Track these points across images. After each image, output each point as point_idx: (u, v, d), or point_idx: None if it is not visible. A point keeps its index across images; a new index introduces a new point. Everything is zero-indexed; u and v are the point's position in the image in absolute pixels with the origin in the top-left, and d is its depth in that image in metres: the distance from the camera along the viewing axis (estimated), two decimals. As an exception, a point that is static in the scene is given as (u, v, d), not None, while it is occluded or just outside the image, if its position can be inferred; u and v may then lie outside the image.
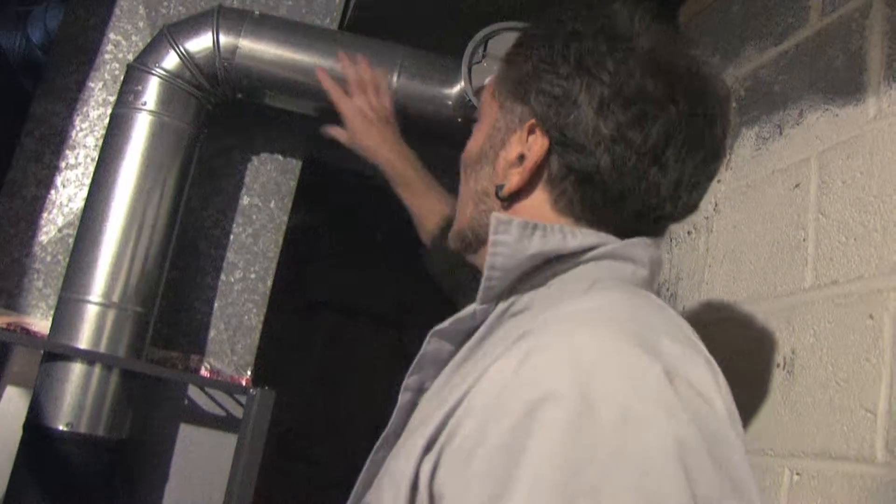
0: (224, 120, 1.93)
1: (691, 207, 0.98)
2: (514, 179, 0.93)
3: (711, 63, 1.16)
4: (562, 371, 0.72)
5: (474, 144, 1.02)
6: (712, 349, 1.45)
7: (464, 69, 1.58)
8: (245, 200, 1.97)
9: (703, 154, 0.93)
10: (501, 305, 0.91)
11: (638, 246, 0.91)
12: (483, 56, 1.62)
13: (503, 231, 0.87)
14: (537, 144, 0.92)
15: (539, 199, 0.94)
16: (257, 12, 1.77)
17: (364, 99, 1.56)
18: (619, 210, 0.91)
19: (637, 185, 0.89)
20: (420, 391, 0.98)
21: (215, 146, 1.96)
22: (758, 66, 1.71)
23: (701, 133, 0.92)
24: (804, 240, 1.45)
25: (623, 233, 0.92)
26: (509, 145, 0.95)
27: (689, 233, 1.77)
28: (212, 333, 1.90)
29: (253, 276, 1.94)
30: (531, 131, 0.93)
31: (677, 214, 0.96)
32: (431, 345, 0.96)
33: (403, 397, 1.00)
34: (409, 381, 0.98)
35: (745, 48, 1.76)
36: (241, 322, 1.92)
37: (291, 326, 3.58)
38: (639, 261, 0.91)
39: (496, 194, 0.95)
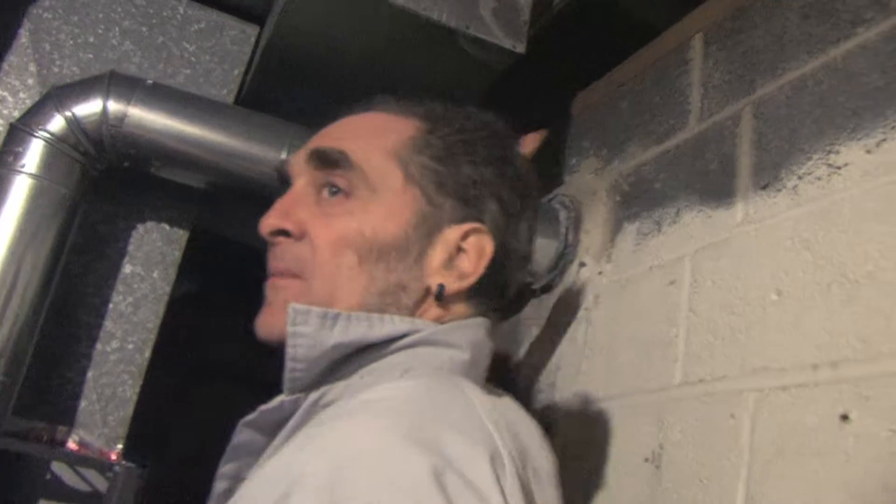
0: (111, 186, 1.89)
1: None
2: (456, 285, 0.95)
3: None
4: (320, 460, 0.71)
5: (382, 227, 0.94)
6: (586, 441, 1.48)
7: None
8: (127, 269, 1.92)
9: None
10: (313, 395, 0.90)
11: (458, 330, 0.94)
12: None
13: (301, 322, 0.86)
14: (487, 251, 0.96)
15: (459, 297, 0.98)
16: (150, 81, 1.75)
17: None
18: (502, 294, 1.01)
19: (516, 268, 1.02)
20: (237, 479, 0.95)
21: (100, 212, 1.92)
22: (641, 163, 1.76)
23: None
24: (676, 337, 1.49)
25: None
26: (439, 242, 0.96)
27: (569, 323, 1.80)
28: (83, 404, 1.83)
29: (131, 346, 1.88)
30: (473, 233, 0.96)
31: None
32: (243, 435, 0.93)
33: (219, 486, 0.96)
34: (225, 469, 0.95)
35: (630, 144, 1.83)
36: (114, 393, 1.85)
37: (180, 396, 3.49)
38: (457, 345, 0.93)
39: (436, 295, 0.95)
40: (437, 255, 0.95)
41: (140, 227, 1.94)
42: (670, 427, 1.42)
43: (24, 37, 1.96)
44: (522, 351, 1.95)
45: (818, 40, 1.41)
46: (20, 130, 1.71)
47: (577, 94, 2.12)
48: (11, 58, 1.94)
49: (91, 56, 1.97)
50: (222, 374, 3.69)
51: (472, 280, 0.96)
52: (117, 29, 2.01)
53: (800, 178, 1.35)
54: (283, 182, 1.02)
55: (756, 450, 1.24)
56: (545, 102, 2.18)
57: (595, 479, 1.54)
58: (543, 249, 1.84)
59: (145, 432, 2.06)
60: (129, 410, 1.86)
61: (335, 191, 0.95)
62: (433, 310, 0.96)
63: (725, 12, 1.66)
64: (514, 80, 2.15)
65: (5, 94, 1.92)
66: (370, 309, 0.92)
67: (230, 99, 2.04)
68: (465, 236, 0.96)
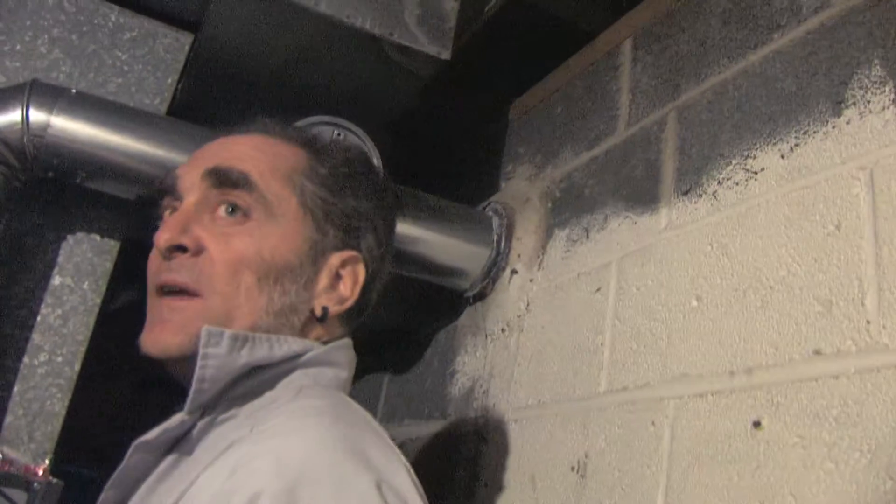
0: (38, 197, 1.85)
1: None
2: (336, 308, 1.00)
3: None
4: (269, 474, 0.74)
5: (279, 250, 0.96)
6: (517, 450, 1.47)
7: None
8: (56, 280, 1.88)
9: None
10: (209, 414, 0.92)
11: (340, 349, 1.00)
12: (296, 148, 1.62)
13: (214, 344, 0.88)
14: (360, 277, 1.01)
15: (337, 319, 1.03)
16: (74, 90, 1.71)
17: None
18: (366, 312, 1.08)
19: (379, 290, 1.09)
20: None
21: (27, 223, 1.87)
22: (572, 169, 1.76)
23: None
24: (602, 344, 1.48)
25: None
26: (325, 268, 1.00)
27: (502, 330, 1.79)
28: (8, 419, 1.78)
29: (59, 359, 1.84)
30: (350, 261, 1.02)
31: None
32: (134, 457, 0.91)
33: None
34: (107, 495, 0.94)
35: (563, 150, 1.82)
36: (42, 407, 1.81)
37: (133, 406, 3.44)
38: (339, 364, 1.00)
39: (320, 318, 0.99)
40: (323, 279, 1.00)
41: (70, 238, 1.90)
42: (595, 435, 1.41)
43: (-52, 45, 1.92)
44: (459, 359, 1.94)
45: (738, 45, 1.41)
46: (-62, 141, 1.67)
47: (514, 99, 2.11)
48: (-66, 65, 1.90)
49: (18, 65, 1.93)
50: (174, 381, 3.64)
51: (349, 304, 1.02)
52: (46, 37, 1.96)
53: (719, 183, 1.35)
54: (164, 193, 1.01)
55: (675, 458, 1.24)
56: (484, 108, 2.17)
57: (524, 488, 1.53)
58: (476, 257, 1.83)
59: (99, 444, 2.02)
60: (58, 425, 1.82)
61: (232, 210, 0.96)
62: (317, 330, 1.01)
63: (654, 17, 1.66)
64: (452, 85, 2.14)
65: (-72, 103, 1.88)
66: (264, 329, 0.94)
67: (163, 108, 2.00)
68: (343, 264, 1.02)
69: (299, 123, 1.63)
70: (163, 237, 0.94)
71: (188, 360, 0.91)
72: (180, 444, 0.92)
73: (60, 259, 1.90)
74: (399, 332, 2.27)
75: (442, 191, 2.11)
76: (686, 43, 1.54)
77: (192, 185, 0.98)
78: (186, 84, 1.92)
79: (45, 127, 1.66)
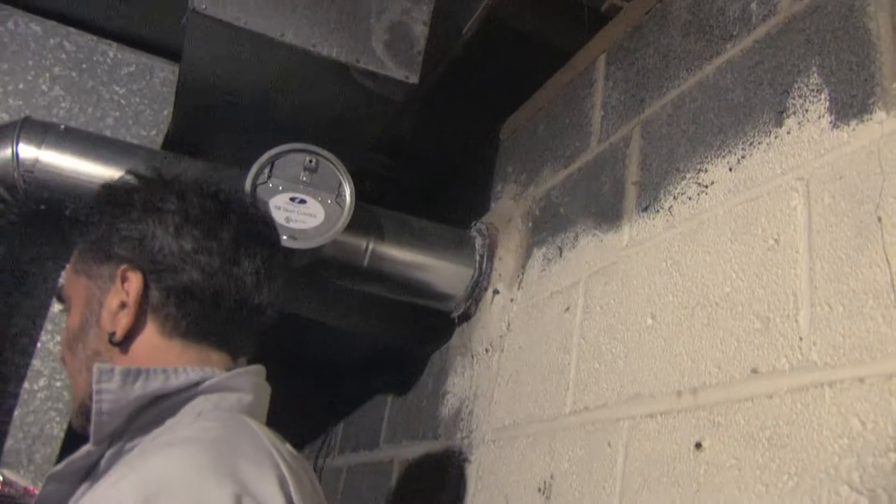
0: (39, 228, 1.91)
1: (276, 296, 1.12)
2: (122, 321, 1.01)
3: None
4: (131, 489, 0.78)
5: (73, 322, 1.06)
6: (493, 471, 1.46)
7: (247, 189, 1.60)
8: (55, 308, 1.94)
9: (268, 249, 1.11)
10: (116, 444, 0.97)
11: (242, 376, 1.04)
12: (269, 176, 1.64)
13: (106, 379, 0.94)
14: (134, 283, 1.02)
15: (150, 331, 1.03)
16: (63, 126, 1.77)
17: None
18: (218, 311, 1.04)
19: (227, 283, 1.05)
20: None
21: (28, 253, 1.94)
22: (551, 188, 1.74)
23: (259, 233, 1.11)
24: (568, 364, 1.46)
25: (227, 338, 1.06)
26: (108, 302, 1.03)
27: (486, 350, 1.78)
28: (9, 443, 1.84)
29: (58, 384, 1.89)
30: (124, 277, 1.02)
31: (266, 305, 1.10)
32: (49, 487, 0.97)
33: None
34: None
35: (544, 169, 1.81)
36: (41, 431, 1.86)
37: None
38: (242, 389, 1.02)
39: (110, 341, 1.02)
40: (107, 310, 1.02)
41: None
42: (560, 456, 1.39)
43: (-49, 84, 2.00)
44: (450, 380, 1.93)
45: (695, 57, 1.38)
46: (-64, 180, 1.74)
47: (506, 118, 2.10)
48: (-61, 105, 1.98)
49: (21, 103, 2.01)
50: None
51: (133, 310, 1.01)
52: (47, 75, 2.04)
53: (675, 198, 1.32)
54: None
55: (627, 479, 1.21)
56: (478, 128, 2.17)
57: (494, 511, 1.52)
58: (460, 278, 1.83)
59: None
60: (56, 448, 1.87)
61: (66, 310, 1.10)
62: (136, 352, 1.02)
63: (625, 32, 1.64)
64: (444, 106, 2.16)
65: (-66, 141, 1.96)
66: (87, 379, 0.99)
67: (159, 139, 2.05)
68: (122, 284, 1.02)
69: (272, 151, 1.65)
70: None
71: (84, 429, 1.00)
72: (92, 473, 0.97)
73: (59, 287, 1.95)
74: (400, 354, 2.27)
75: (439, 212, 2.12)
76: (651, 56, 1.52)
77: None
78: (175, 116, 1.96)
79: (35, 162, 1.71)
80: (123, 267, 1.03)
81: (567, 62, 1.83)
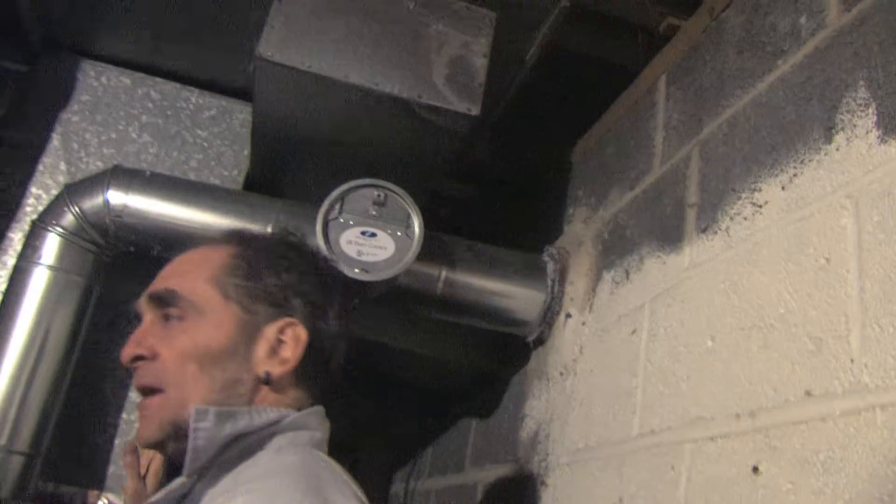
0: (134, 269, 2.03)
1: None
2: (279, 369, 1.12)
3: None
4: None
5: (211, 341, 1.11)
6: (568, 495, 1.48)
7: (318, 226, 1.66)
8: (148, 312, 2.05)
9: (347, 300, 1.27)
10: (205, 477, 1.06)
11: (313, 415, 1.14)
12: (340, 212, 1.69)
13: (202, 419, 1.03)
14: (302, 339, 1.14)
15: (287, 377, 1.14)
16: (149, 172, 1.88)
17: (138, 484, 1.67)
18: (317, 362, 1.17)
19: (332, 342, 1.19)
20: None
21: (124, 292, 2.04)
22: (618, 210, 1.75)
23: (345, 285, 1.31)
24: (635, 387, 1.46)
25: (316, 381, 1.17)
26: (261, 340, 1.13)
27: (560, 373, 1.79)
28: (111, 469, 1.95)
29: (154, 417, 2.00)
30: (295, 333, 1.14)
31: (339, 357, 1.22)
32: None
33: None
34: None
35: (611, 191, 1.81)
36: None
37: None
38: (314, 427, 1.13)
39: (265, 381, 1.12)
40: (260, 349, 1.13)
41: (145, 309, 2.07)
42: (628, 480, 1.39)
43: (55, 139, 2.14)
44: (528, 403, 1.95)
45: (749, 74, 1.38)
46: (38, 227, 1.87)
47: (577, 142, 2.11)
48: (45, 159, 2.12)
49: (113, 151, 2.14)
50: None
51: (293, 363, 1.13)
52: (136, 123, 2.17)
53: (731, 218, 1.31)
54: (137, 319, 1.20)
55: (689, 502, 1.21)
56: (550, 152, 2.19)
57: (567, 535, 1.52)
58: (533, 302, 1.84)
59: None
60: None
61: (171, 318, 1.13)
62: (268, 392, 1.13)
63: (683, 51, 1.64)
64: (516, 131, 2.18)
65: (39, 191, 2.10)
66: (216, 403, 1.09)
67: (241, 178, 2.15)
68: (281, 330, 1.14)
69: (342, 188, 1.72)
70: (123, 353, 1.14)
71: (166, 442, 1.09)
72: (186, 501, 1.08)
73: (154, 325, 2.06)
74: (484, 377, 2.30)
75: (514, 236, 2.14)
76: (708, 75, 1.51)
77: (144, 308, 1.18)
78: (253, 156, 2.05)
79: (123, 207, 1.82)
80: (292, 321, 1.14)
81: (631, 82, 1.84)
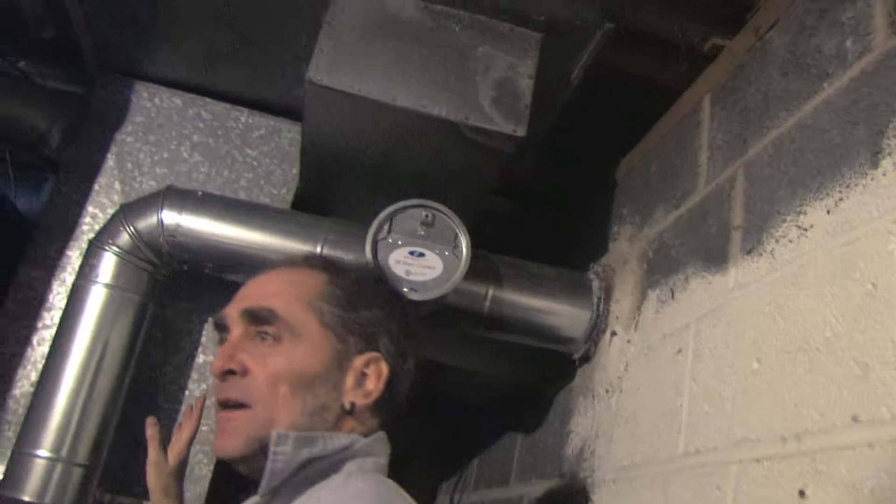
0: (183, 286, 2.09)
1: None
2: (363, 401, 1.17)
3: None
4: None
5: (306, 365, 1.15)
6: None
7: (368, 246, 1.69)
8: (201, 359, 2.10)
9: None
10: (277, 497, 1.11)
11: (378, 442, 1.19)
12: (389, 232, 1.73)
13: (282, 443, 1.09)
14: (384, 374, 1.19)
15: (366, 408, 1.19)
16: (200, 192, 1.93)
17: (158, 455, 1.68)
18: (398, 398, 1.23)
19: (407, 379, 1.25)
20: None
21: (177, 310, 2.12)
22: (663, 229, 1.76)
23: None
24: (681, 406, 1.47)
25: (386, 409, 1.21)
26: (350, 370, 1.18)
27: (606, 391, 1.80)
28: (164, 479, 2.01)
29: (205, 428, 2.04)
30: (378, 369, 1.19)
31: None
32: None
33: None
34: None
35: (656, 210, 1.82)
36: (191, 471, 2.01)
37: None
38: (379, 453, 1.18)
39: (348, 411, 1.17)
40: (349, 379, 1.18)
41: (210, 321, 2.12)
42: (673, 499, 1.40)
43: (110, 160, 2.21)
44: (573, 420, 1.96)
45: (794, 97, 1.38)
46: (95, 246, 1.93)
47: (620, 160, 2.13)
48: (101, 179, 2.19)
49: (166, 170, 2.20)
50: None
51: (375, 396, 1.18)
52: (188, 143, 2.23)
53: (776, 241, 1.32)
54: (219, 329, 1.22)
55: (736, 525, 1.22)
56: (594, 169, 2.21)
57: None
58: (578, 320, 1.86)
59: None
60: (205, 485, 2.03)
61: (266, 336, 1.17)
62: (349, 421, 1.18)
63: (727, 71, 1.65)
64: (562, 149, 2.20)
65: (96, 210, 2.17)
66: (302, 426, 1.13)
67: (290, 196, 2.20)
68: (367, 363, 1.19)
69: (390, 209, 1.75)
70: (216, 366, 1.17)
71: (248, 458, 1.13)
72: None
73: (204, 340, 2.13)
74: (529, 393, 2.32)
75: (560, 253, 2.16)
76: (752, 96, 1.52)
77: (234, 321, 1.19)
78: (302, 175, 2.09)
79: (177, 227, 1.88)
80: (377, 355, 1.20)
81: (675, 101, 1.85)
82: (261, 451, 1.10)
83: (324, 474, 1.11)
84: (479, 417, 2.74)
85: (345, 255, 1.81)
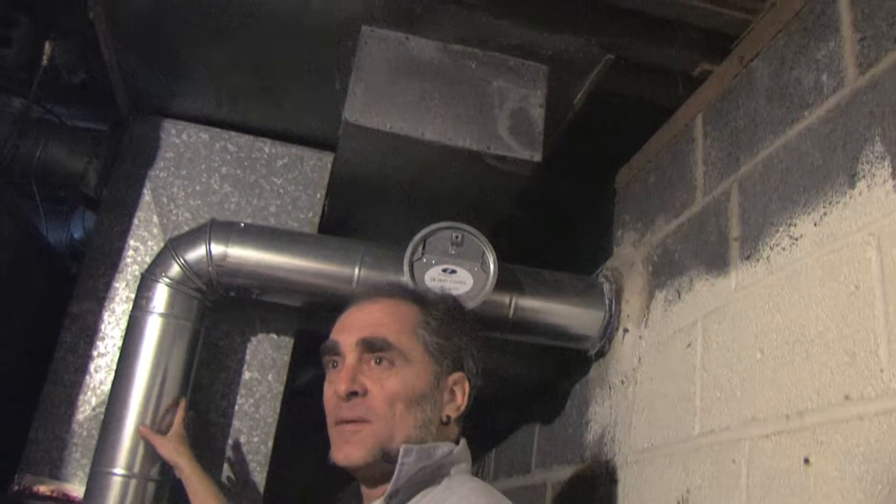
0: (227, 309, 2.28)
1: None
2: (455, 414, 1.40)
3: None
4: None
5: (416, 386, 1.37)
6: (637, 487, 1.73)
7: (406, 267, 1.91)
8: (246, 375, 2.29)
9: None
10: (396, 498, 1.31)
11: (465, 448, 1.40)
12: (423, 253, 1.94)
13: (407, 455, 1.30)
14: (467, 389, 1.42)
15: (455, 419, 1.43)
16: (243, 224, 2.12)
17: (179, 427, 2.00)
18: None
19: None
20: None
21: (221, 331, 2.30)
22: (665, 236, 1.98)
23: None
24: (694, 393, 1.70)
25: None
26: (444, 388, 1.40)
27: (622, 382, 2.02)
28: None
29: (255, 439, 2.24)
30: (463, 388, 1.42)
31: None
32: None
33: None
34: None
35: (657, 218, 2.04)
36: (247, 480, 2.21)
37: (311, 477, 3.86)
38: (467, 458, 1.40)
39: (445, 423, 1.39)
40: (445, 396, 1.40)
41: (253, 340, 2.31)
42: (693, 473, 1.63)
43: (146, 195, 2.39)
44: (591, 409, 2.18)
45: (779, 121, 1.60)
46: (148, 279, 2.11)
47: (619, 170, 2.35)
48: (139, 213, 2.37)
49: (199, 202, 2.38)
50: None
51: (462, 410, 1.42)
52: (217, 175, 2.41)
53: (771, 248, 1.54)
54: (328, 351, 1.43)
55: (751, 491, 1.44)
56: (597, 180, 2.42)
57: (640, 524, 1.76)
58: (592, 320, 2.08)
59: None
60: (259, 494, 2.22)
61: (381, 361, 1.38)
62: (446, 431, 1.40)
63: (717, 94, 1.87)
64: (567, 161, 2.41)
65: (137, 244, 2.35)
66: (415, 438, 1.34)
67: (316, 220, 2.39)
68: (455, 382, 1.42)
69: (423, 232, 1.96)
70: (342, 387, 1.36)
71: (370, 465, 1.33)
72: None
73: (248, 357, 2.32)
74: (545, 387, 2.53)
75: (567, 256, 2.38)
76: (741, 119, 1.74)
77: (349, 348, 1.40)
78: (331, 201, 2.29)
79: (224, 257, 2.07)
80: (462, 375, 1.43)
81: (669, 118, 2.07)
82: (382, 459, 1.31)
83: (433, 478, 1.32)
84: (495, 410, 2.95)
85: (382, 276, 2.01)
